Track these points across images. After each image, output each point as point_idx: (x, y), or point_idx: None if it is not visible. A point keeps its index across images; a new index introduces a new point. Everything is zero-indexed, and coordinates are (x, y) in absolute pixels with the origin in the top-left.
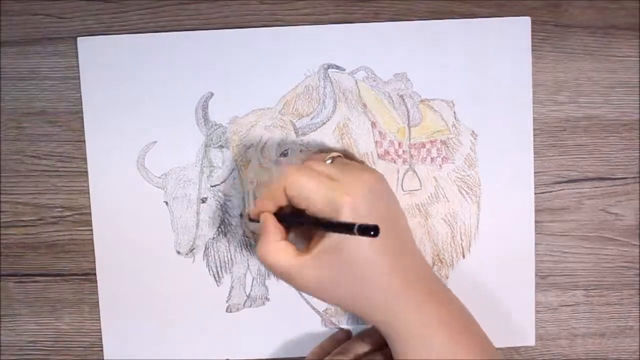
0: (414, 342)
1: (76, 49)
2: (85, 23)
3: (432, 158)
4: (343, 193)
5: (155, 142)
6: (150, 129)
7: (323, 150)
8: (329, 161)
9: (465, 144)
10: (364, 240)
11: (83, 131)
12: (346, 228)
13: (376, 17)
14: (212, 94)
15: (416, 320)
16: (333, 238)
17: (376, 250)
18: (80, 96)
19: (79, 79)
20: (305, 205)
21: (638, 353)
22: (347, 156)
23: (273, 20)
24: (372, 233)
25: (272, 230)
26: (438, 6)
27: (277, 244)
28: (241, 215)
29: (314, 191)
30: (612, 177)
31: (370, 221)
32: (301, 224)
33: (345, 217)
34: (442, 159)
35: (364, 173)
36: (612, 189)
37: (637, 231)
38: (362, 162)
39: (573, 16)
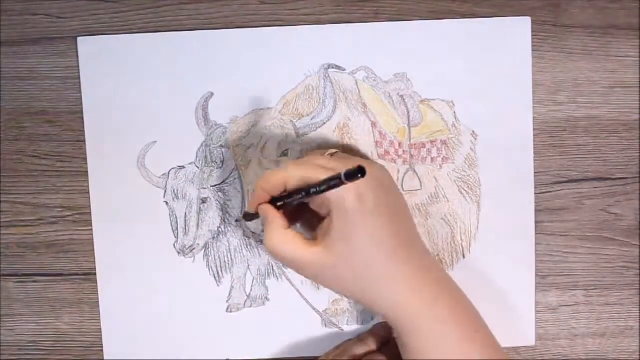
0: (426, 336)
1: (76, 49)
2: (85, 23)
3: (432, 158)
4: None
5: (156, 142)
6: (150, 129)
7: (322, 148)
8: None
9: (466, 144)
10: (373, 228)
11: (83, 131)
12: (334, 181)
13: (376, 17)
14: (212, 94)
15: (429, 313)
16: (341, 227)
17: (385, 238)
18: (80, 96)
19: (78, 78)
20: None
21: (638, 353)
22: (347, 152)
23: (274, 20)
24: (359, 175)
25: (275, 219)
26: (438, 6)
27: (284, 233)
28: (237, 220)
29: (317, 183)
30: (612, 177)
31: (376, 212)
32: (295, 200)
33: (351, 205)
34: (442, 159)
35: (365, 164)
36: (612, 189)
37: (637, 231)
38: (364, 156)
39: (573, 16)
